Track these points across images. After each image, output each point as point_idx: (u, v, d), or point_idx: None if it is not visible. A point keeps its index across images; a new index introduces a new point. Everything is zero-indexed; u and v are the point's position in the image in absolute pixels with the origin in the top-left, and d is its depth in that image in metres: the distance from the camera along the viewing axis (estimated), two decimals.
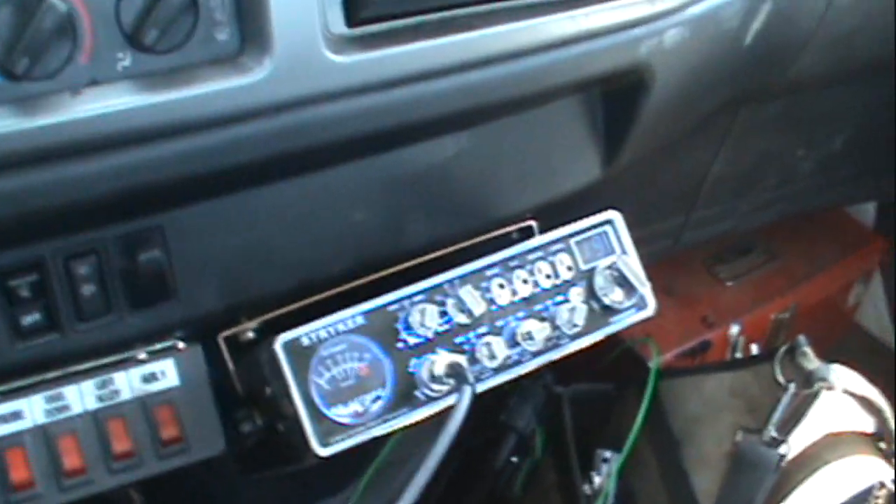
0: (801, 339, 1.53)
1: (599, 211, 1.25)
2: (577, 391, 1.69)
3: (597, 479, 1.60)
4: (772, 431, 1.47)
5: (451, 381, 1.06)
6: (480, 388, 1.09)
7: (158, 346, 1.11)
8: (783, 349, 1.52)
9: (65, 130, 0.89)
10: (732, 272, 2.08)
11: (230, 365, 1.14)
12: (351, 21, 0.99)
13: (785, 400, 1.49)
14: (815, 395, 1.48)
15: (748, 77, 1.38)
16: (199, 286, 1.08)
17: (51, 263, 1.00)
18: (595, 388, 1.71)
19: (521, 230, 1.28)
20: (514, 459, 1.80)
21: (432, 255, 1.21)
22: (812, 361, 1.51)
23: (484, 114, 1.15)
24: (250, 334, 1.15)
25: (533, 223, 1.29)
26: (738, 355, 1.92)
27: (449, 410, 1.01)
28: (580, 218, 1.24)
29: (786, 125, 1.69)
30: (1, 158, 0.87)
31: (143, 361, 1.07)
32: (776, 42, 1.35)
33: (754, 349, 1.85)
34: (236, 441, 1.11)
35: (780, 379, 1.51)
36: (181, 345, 1.11)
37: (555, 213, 1.28)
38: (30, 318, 1.01)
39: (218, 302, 1.10)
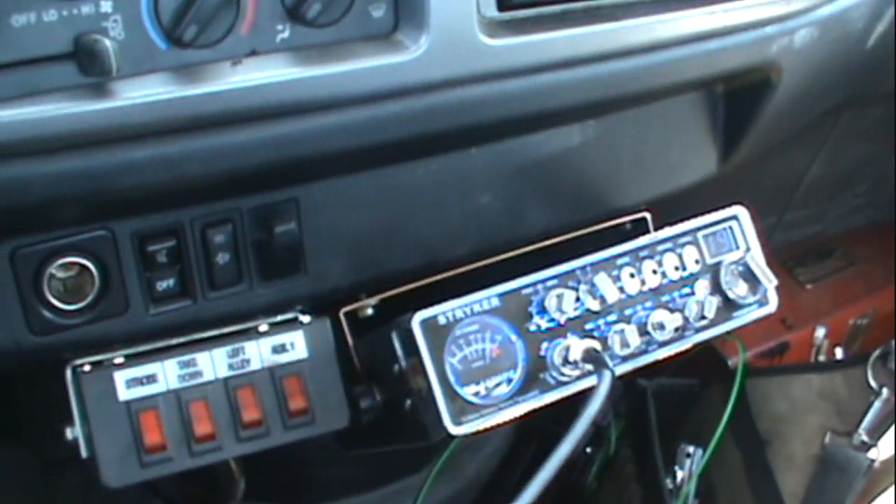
0: (894, 344, 1.52)
1: (709, 206, 1.26)
2: (661, 385, 1.69)
3: (679, 474, 1.60)
4: (862, 435, 1.47)
5: (586, 366, 1.06)
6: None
7: (279, 318, 1.12)
8: (876, 353, 1.52)
9: (223, 99, 0.90)
10: (812, 275, 2.07)
11: (350, 340, 1.15)
12: (502, 5, 1.00)
13: (877, 404, 1.49)
14: None
15: (865, 80, 1.38)
16: (327, 261, 1.09)
17: (188, 230, 1.01)
18: (678, 382, 1.71)
19: (634, 221, 1.29)
20: (588, 450, 1.81)
21: (549, 241, 1.22)
22: None
23: (616, 103, 1.16)
24: (369, 311, 1.16)
25: (647, 215, 1.29)
26: (822, 358, 1.92)
27: (586, 393, 1.01)
28: (690, 212, 1.25)
29: (883, 131, 1.69)
30: (162, 124, 0.89)
31: (271, 332, 1.08)
32: (894, 47, 1.36)
33: (839, 353, 1.85)
34: (353, 417, 1.12)
35: (873, 383, 1.50)
36: (304, 318, 1.12)
37: (666, 207, 1.29)
38: (164, 284, 1.03)
39: (344, 278, 1.11)
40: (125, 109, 0.87)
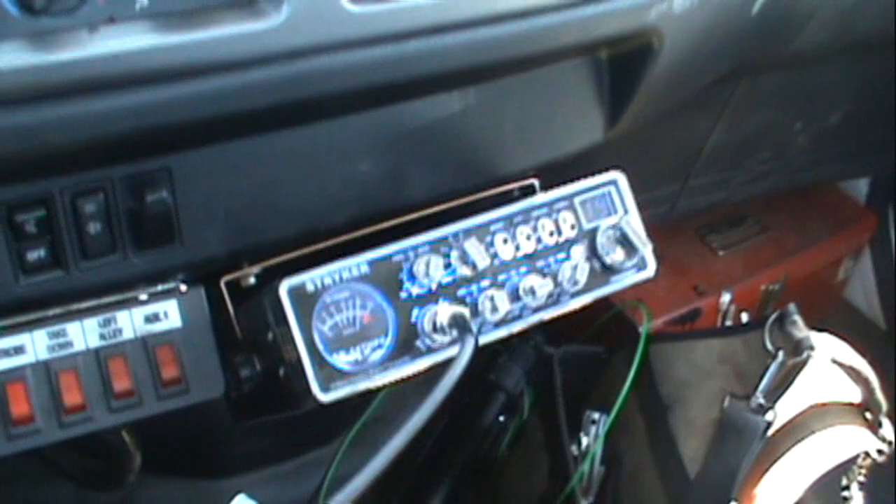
0: (792, 307, 1.54)
1: (600, 172, 1.27)
2: (568, 352, 1.71)
3: (584, 440, 1.62)
4: (759, 398, 1.49)
5: (454, 332, 1.07)
6: (482, 340, 1.10)
7: (160, 287, 1.11)
8: (773, 317, 1.53)
9: (80, 67, 0.89)
10: (725, 242, 2.09)
11: (231, 309, 1.14)
12: None
13: (773, 367, 1.50)
14: (803, 364, 1.49)
15: (753, 47, 1.39)
16: (203, 230, 1.08)
17: (58, 200, 1.01)
18: (585, 350, 1.72)
19: (522, 188, 1.29)
20: (502, 419, 1.82)
21: (434, 209, 1.22)
22: (801, 330, 1.52)
23: (491, 71, 1.16)
24: (251, 279, 1.16)
25: (535, 181, 1.30)
26: (728, 324, 1.94)
27: (450, 360, 1.01)
28: (581, 178, 1.25)
29: (784, 98, 1.71)
30: (16, 92, 0.88)
31: (145, 302, 1.07)
32: (782, 13, 1.36)
33: (745, 318, 1.87)
34: (234, 386, 1.12)
35: (770, 346, 1.52)
36: (183, 287, 1.11)
37: (556, 173, 1.29)
38: (35, 254, 1.01)
39: (221, 246, 1.10)
40: None
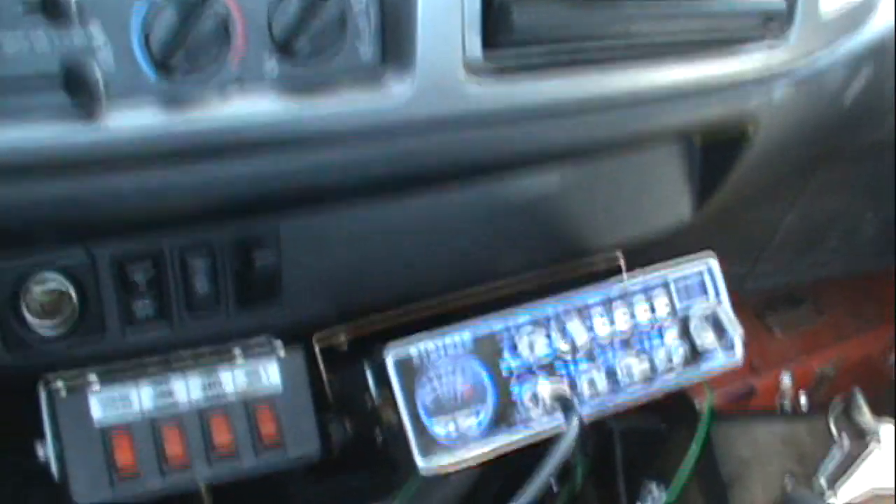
0: (857, 394, 1.55)
1: (683, 252, 1.28)
2: (629, 426, 1.71)
3: None
4: (821, 482, 1.49)
5: (555, 408, 1.08)
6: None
7: (253, 341, 1.13)
8: (839, 403, 1.54)
9: (209, 131, 0.91)
10: (781, 322, 2.10)
11: (323, 371, 1.16)
12: (488, 44, 1.00)
13: (837, 453, 1.50)
14: (866, 450, 1.50)
15: (840, 137, 1.41)
16: (304, 292, 1.10)
17: (168, 256, 1.02)
18: (646, 424, 1.72)
19: (608, 264, 1.30)
20: (555, 487, 1.82)
21: (525, 281, 1.23)
22: (866, 417, 1.52)
23: (595, 150, 1.18)
24: (344, 343, 1.17)
25: (620, 258, 1.31)
26: (786, 403, 1.94)
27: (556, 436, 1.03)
28: (663, 256, 1.27)
29: (858, 187, 1.72)
30: (147, 153, 0.90)
31: (246, 361, 1.09)
32: (869, 104, 1.38)
33: (803, 399, 1.87)
34: (323, 447, 1.13)
35: (834, 431, 1.52)
36: (278, 346, 1.13)
37: (640, 251, 1.31)
38: (142, 307, 1.03)
39: (319, 309, 1.12)
40: (111, 136, 0.87)
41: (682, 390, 1.81)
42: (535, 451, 1.78)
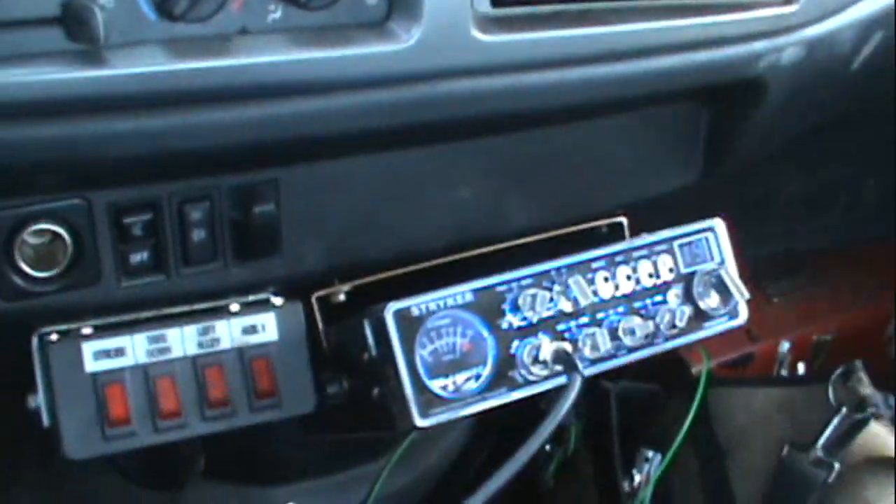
0: (858, 363, 1.53)
1: (684, 214, 1.26)
2: (626, 388, 1.70)
3: (637, 478, 1.61)
4: (819, 451, 1.48)
5: (556, 367, 1.07)
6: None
7: (253, 298, 1.11)
8: (838, 372, 1.53)
9: (211, 76, 0.90)
10: (780, 290, 2.09)
11: (321, 325, 1.14)
12: (496, 2, 1.00)
13: (835, 422, 1.49)
14: (865, 421, 1.49)
15: (846, 102, 1.39)
16: (303, 244, 1.09)
17: (165, 205, 1.01)
18: (643, 387, 1.71)
19: (611, 225, 1.29)
20: (548, 448, 1.81)
21: (528, 240, 1.22)
22: (866, 387, 1.51)
23: (601, 107, 1.16)
24: (342, 297, 1.16)
25: (624, 220, 1.30)
26: (784, 372, 1.93)
27: (550, 392, 1.02)
28: (667, 220, 1.25)
29: (862, 153, 1.71)
30: (147, 96, 0.88)
31: (242, 313, 1.07)
32: (878, 70, 1.37)
33: (801, 368, 1.86)
34: (318, 402, 1.12)
35: (833, 401, 1.51)
36: (275, 300, 1.11)
37: (642, 212, 1.30)
38: (138, 257, 1.02)
39: (319, 262, 1.11)
40: (111, 79, 0.86)
41: (679, 356, 1.80)
42: (528, 407, 1.79)
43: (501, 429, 1.78)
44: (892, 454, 1.53)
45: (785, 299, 2.08)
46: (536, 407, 1.80)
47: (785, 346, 1.86)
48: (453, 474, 1.83)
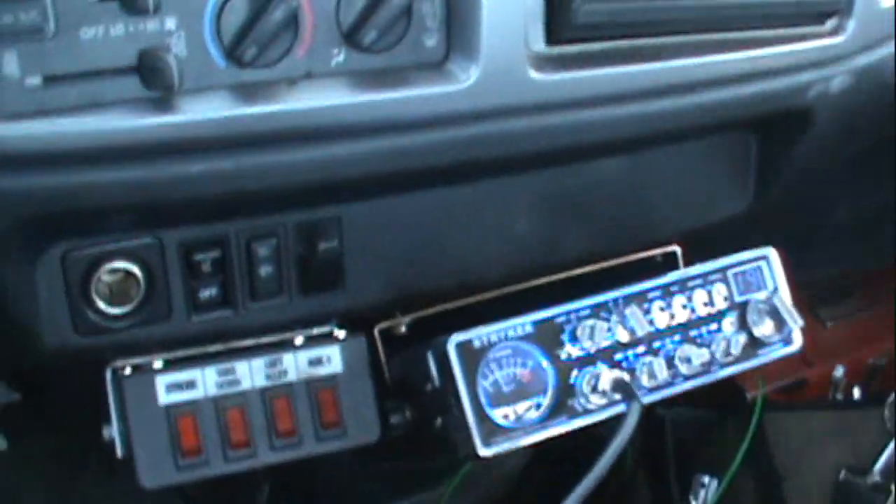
0: None
1: (735, 241, 1.28)
2: (680, 414, 1.71)
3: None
4: (876, 476, 1.49)
5: (614, 396, 1.09)
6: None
7: (316, 331, 1.14)
8: (894, 395, 1.53)
9: (278, 119, 0.93)
10: (833, 314, 2.09)
11: (383, 357, 1.17)
12: (550, 40, 1.02)
13: (892, 446, 1.50)
14: None
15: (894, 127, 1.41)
16: (365, 278, 1.12)
17: (234, 242, 1.05)
18: (697, 413, 1.73)
19: (665, 255, 1.31)
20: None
21: (583, 270, 1.24)
22: None
23: (654, 140, 1.18)
24: (403, 328, 1.19)
25: (677, 249, 1.32)
26: (839, 397, 1.93)
27: (615, 422, 1.04)
28: (718, 247, 1.27)
29: None
30: (218, 140, 0.92)
31: (306, 346, 1.11)
32: None
33: (857, 393, 1.86)
34: (381, 431, 1.15)
35: (889, 425, 1.52)
36: (339, 332, 1.14)
37: (694, 240, 1.32)
38: (207, 292, 1.06)
39: (381, 294, 1.14)
40: (184, 124, 0.90)
41: (733, 381, 1.81)
42: (583, 435, 1.80)
43: (557, 457, 1.80)
44: None
45: (838, 323, 2.08)
46: (591, 434, 1.83)
47: (839, 370, 1.87)
48: (510, 502, 1.85)
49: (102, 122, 0.87)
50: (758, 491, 1.60)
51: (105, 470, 1.51)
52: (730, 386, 1.80)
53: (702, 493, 1.63)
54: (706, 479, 1.63)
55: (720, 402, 1.75)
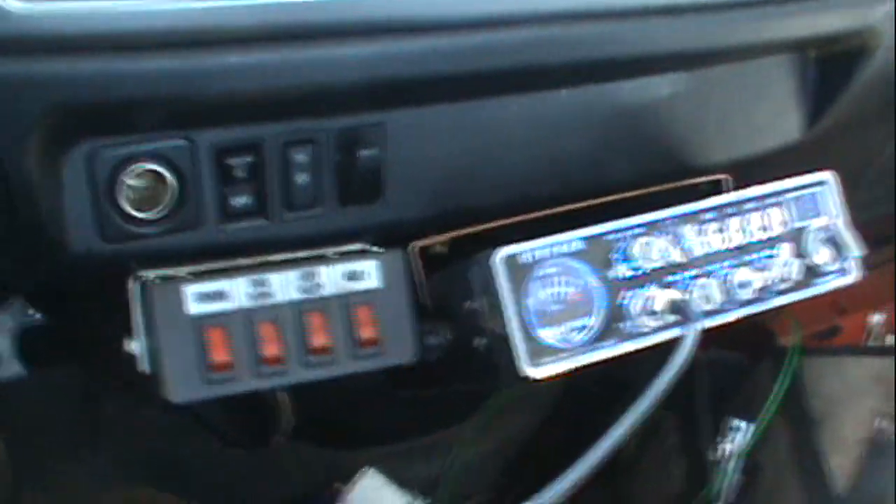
0: None
1: (783, 175, 1.23)
2: (713, 357, 1.67)
3: (725, 447, 1.58)
4: None
5: (668, 318, 1.04)
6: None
7: (351, 247, 1.09)
8: None
9: (323, 9, 0.89)
10: (868, 261, 2.04)
11: (421, 275, 1.12)
12: None
13: None
14: None
15: None
16: (407, 191, 1.07)
17: (268, 147, 0.99)
18: (729, 355, 1.69)
19: (711, 182, 1.26)
20: None
21: (629, 194, 1.19)
22: None
23: (708, 57, 1.14)
24: (441, 248, 1.14)
25: (722, 178, 1.26)
26: (873, 343, 1.90)
27: (671, 345, 0.99)
28: (766, 179, 1.22)
29: None
30: (260, 29, 0.88)
31: (344, 259, 1.05)
32: None
33: (889, 340, 1.83)
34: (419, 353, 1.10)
35: None
36: (375, 249, 1.09)
37: (745, 171, 1.26)
38: (240, 200, 1.00)
39: (422, 209, 1.09)
40: (222, 10, 0.86)
41: (764, 324, 1.77)
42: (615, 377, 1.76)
43: (584, 399, 1.76)
44: None
45: (874, 270, 2.04)
46: (623, 377, 1.79)
47: (876, 317, 1.83)
48: (538, 441, 1.81)
49: (136, 4, 0.83)
50: (793, 438, 1.56)
51: (129, 398, 1.47)
52: (762, 330, 1.77)
53: (734, 436, 1.59)
54: (738, 424, 1.59)
55: (752, 346, 1.71)
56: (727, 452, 1.57)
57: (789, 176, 1.20)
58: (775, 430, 1.57)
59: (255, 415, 1.43)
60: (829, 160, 1.49)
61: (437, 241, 1.13)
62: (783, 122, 1.26)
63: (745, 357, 1.71)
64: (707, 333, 1.14)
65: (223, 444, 1.54)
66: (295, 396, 1.36)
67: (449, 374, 1.13)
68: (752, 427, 1.57)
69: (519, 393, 1.68)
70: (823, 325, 1.90)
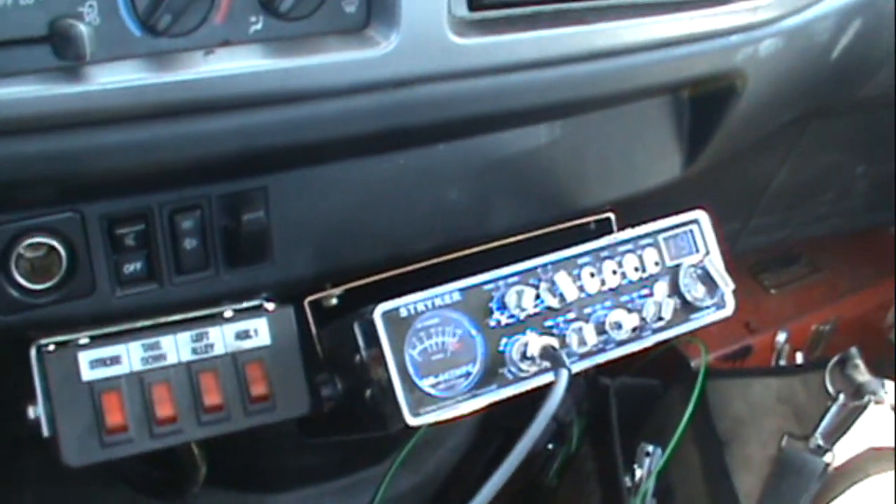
0: (853, 351, 1.55)
1: (675, 209, 1.28)
2: (623, 384, 1.71)
3: (638, 473, 1.62)
4: (818, 439, 1.49)
5: (543, 363, 1.08)
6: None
7: (245, 304, 1.13)
8: (835, 360, 1.54)
9: (195, 88, 0.92)
10: (777, 281, 2.10)
11: (313, 329, 1.16)
12: (472, 5, 1.01)
13: (833, 410, 1.51)
14: (863, 408, 1.50)
15: (829, 91, 1.41)
16: (293, 250, 1.10)
17: (157, 215, 1.03)
18: (640, 382, 1.73)
19: (599, 221, 1.31)
20: (551, 446, 1.83)
21: (516, 238, 1.23)
22: (863, 374, 1.53)
23: (583, 105, 1.18)
24: (334, 300, 1.18)
25: (611, 215, 1.31)
26: (783, 363, 1.94)
27: (543, 389, 1.03)
28: (654, 215, 1.27)
29: (850, 142, 1.72)
30: (134, 109, 0.90)
31: (235, 318, 1.09)
32: (859, 58, 1.38)
33: (800, 358, 1.87)
34: (313, 405, 1.13)
35: (830, 389, 1.52)
36: (269, 305, 1.13)
37: (631, 208, 1.31)
38: (132, 267, 1.04)
39: (309, 267, 1.12)
40: (98, 94, 0.88)
41: (677, 349, 1.82)
42: (532, 406, 1.80)
43: (505, 429, 1.80)
44: (893, 440, 1.54)
45: (782, 290, 2.10)
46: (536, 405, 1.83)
47: (782, 336, 1.88)
48: (457, 476, 1.84)
49: (14, 92, 0.85)
50: (702, 459, 1.60)
51: (45, 452, 1.49)
52: (674, 355, 1.81)
53: (646, 461, 1.63)
54: (651, 448, 1.63)
55: (665, 371, 1.76)
56: (640, 477, 1.61)
57: (676, 209, 1.25)
58: (686, 452, 1.61)
59: (170, 466, 1.45)
60: (716, 193, 1.54)
61: (328, 294, 1.17)
62: (662, 161, 1.31)
63: (659, 382, 1.75)
64: (619, 361, 1.19)
65: (143, 495, 1.56)
66: (207, 445, 1.39)
67: (346, 423, 1.17)
68: (664, 451, 1.61)
69: (435, 430, 1.71)
70: (735, 345, 1.95)
